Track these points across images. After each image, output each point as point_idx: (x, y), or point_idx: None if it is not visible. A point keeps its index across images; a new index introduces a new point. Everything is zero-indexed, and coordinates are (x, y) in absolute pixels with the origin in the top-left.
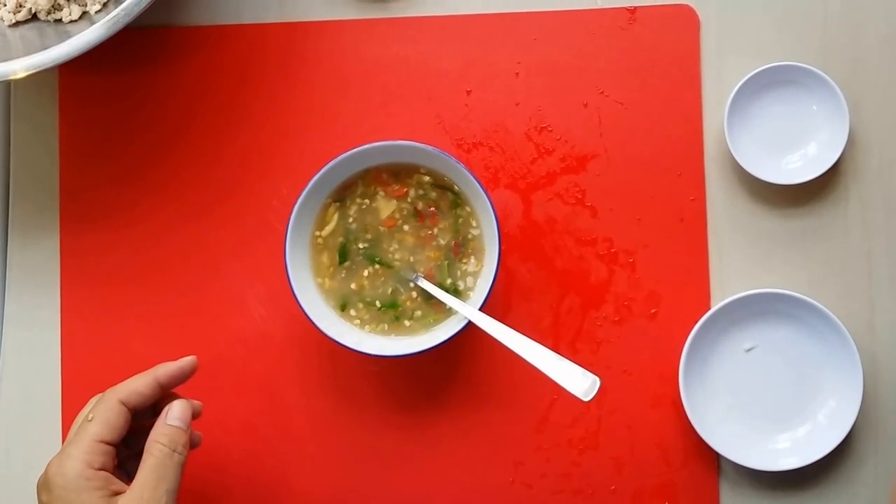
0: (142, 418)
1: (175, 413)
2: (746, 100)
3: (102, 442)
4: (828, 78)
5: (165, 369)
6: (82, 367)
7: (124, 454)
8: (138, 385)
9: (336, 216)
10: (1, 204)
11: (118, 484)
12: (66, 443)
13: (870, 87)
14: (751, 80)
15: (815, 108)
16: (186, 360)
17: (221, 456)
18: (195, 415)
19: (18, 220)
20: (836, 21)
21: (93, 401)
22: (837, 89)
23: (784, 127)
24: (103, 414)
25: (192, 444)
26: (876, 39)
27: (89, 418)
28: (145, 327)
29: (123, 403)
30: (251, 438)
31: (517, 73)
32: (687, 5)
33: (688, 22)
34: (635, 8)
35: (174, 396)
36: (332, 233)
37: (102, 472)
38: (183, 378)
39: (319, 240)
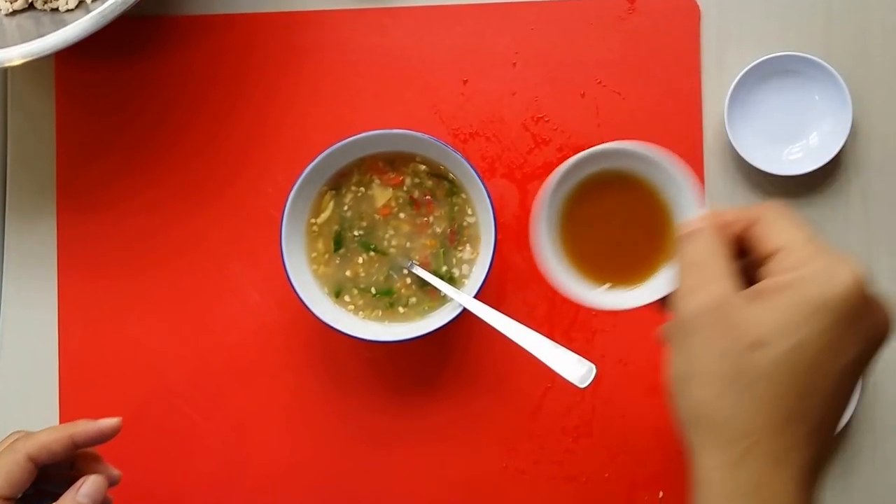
0: (58, 466)
1: (86, 490)
2: (747, 90)
3: (1, 498)
4: (830, 68)
5: (83, 429)
6: (79, 349)
7: (31, 491)
8: (52, 443)
9: (331, 204)
10: None
11: None
12: None
13: (873, 78)
14: (752, 70)
15: (817, 98)
16: (108, 423)
17: (216, 441)
18: (112, 484)
19: (15, 206)
20: (840, 10)
21: (6, 440)
22: (840, 79)
23: (786, 117)
24: (7, 467)
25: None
26: (880, 29)
27: None
28: (141, 311)
29: (32, 460)
30: (245, 423)
31: (514, 63)
32: None
33: (688, 11)
34: None
35: (95, 459)
36: (328, 220)
37: None
38: (101, 440)
39: (315, 227)
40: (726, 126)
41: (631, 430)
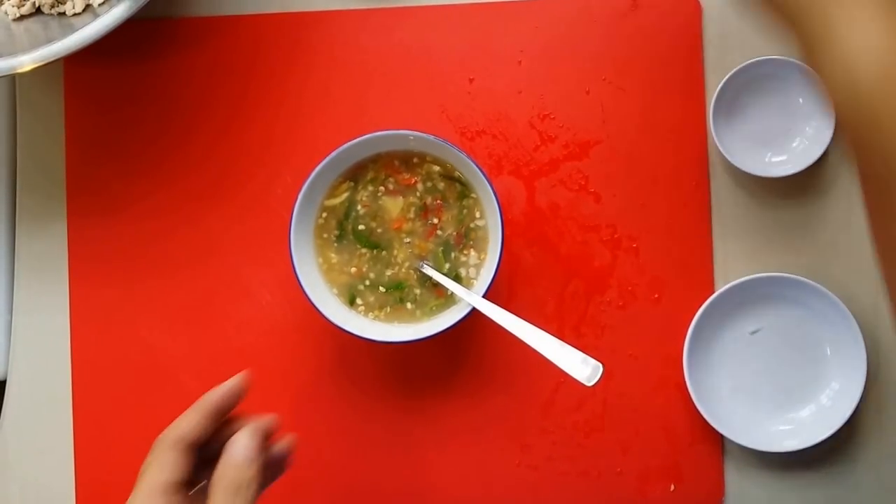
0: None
1: (236, 450)
2: (733, 94)
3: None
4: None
5: (211, 399)
6: (92, 353)
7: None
8: (186, 427)
9: (346, 194)
10: (8, 194)
11: None
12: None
13: None
14: (736, 74)
15: (800, 101)
16: (231, 382)
17: None
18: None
19: (26, 210)
20: None
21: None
22: None
23: (770, 121)
24: (159, 458)
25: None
26: None
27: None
28: (152, 313)
29: (176, 449)
30: None
31: (520, 61)
32: None
33: (690, 8)
34: None
35: (238, 421)
36: (336, 207)
37: None
38: (234, 401)
39: (321, 219)
40: (711, 128)
41: (642, 423)
